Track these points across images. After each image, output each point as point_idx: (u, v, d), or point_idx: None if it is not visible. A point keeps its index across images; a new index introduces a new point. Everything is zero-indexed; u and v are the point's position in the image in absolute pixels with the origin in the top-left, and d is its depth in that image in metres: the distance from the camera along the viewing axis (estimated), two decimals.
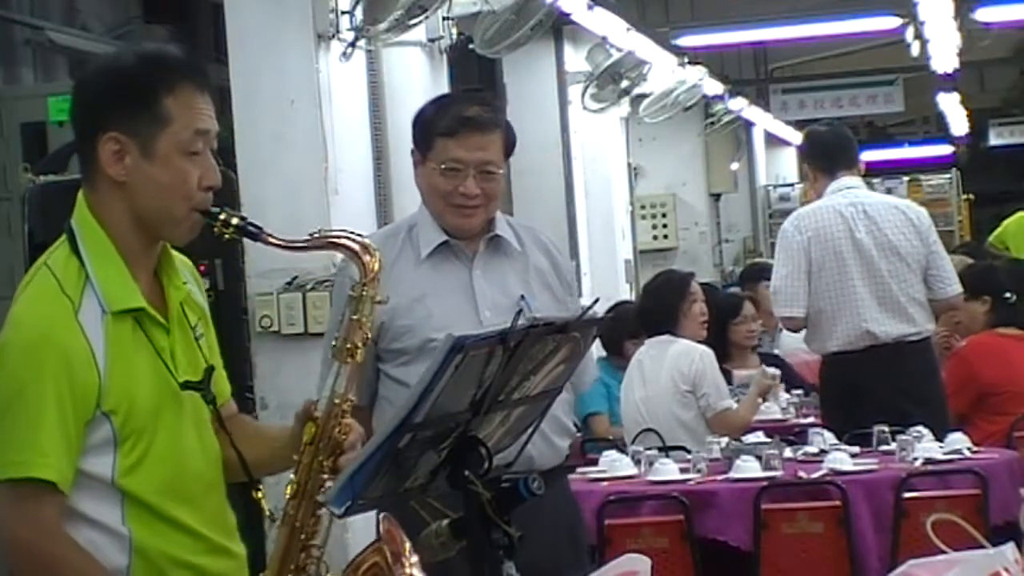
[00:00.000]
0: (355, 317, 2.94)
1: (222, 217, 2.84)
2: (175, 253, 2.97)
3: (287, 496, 2.90)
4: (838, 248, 6.42)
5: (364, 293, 2.95)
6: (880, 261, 6.41)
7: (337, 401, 2.89)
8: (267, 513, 2.92)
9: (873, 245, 6.42)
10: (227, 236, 2.86)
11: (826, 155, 6.69)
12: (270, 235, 2.91)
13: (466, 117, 3.94)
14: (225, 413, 3.01)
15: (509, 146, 4.04)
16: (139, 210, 2.82)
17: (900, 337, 6.36)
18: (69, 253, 2.81)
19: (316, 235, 2.95)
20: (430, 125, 3.99)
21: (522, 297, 3.97)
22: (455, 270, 4.00)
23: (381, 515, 2.79)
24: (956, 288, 6.56)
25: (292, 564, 2.87)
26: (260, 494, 2.94)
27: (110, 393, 2.74)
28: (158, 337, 2.84)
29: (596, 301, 3.04)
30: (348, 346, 2.92)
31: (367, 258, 2.95)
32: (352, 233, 3.00)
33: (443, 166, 3.95)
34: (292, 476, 2.90)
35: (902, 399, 6.25)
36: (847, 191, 6.54)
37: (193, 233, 2.86)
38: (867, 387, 6.29)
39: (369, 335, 2.96)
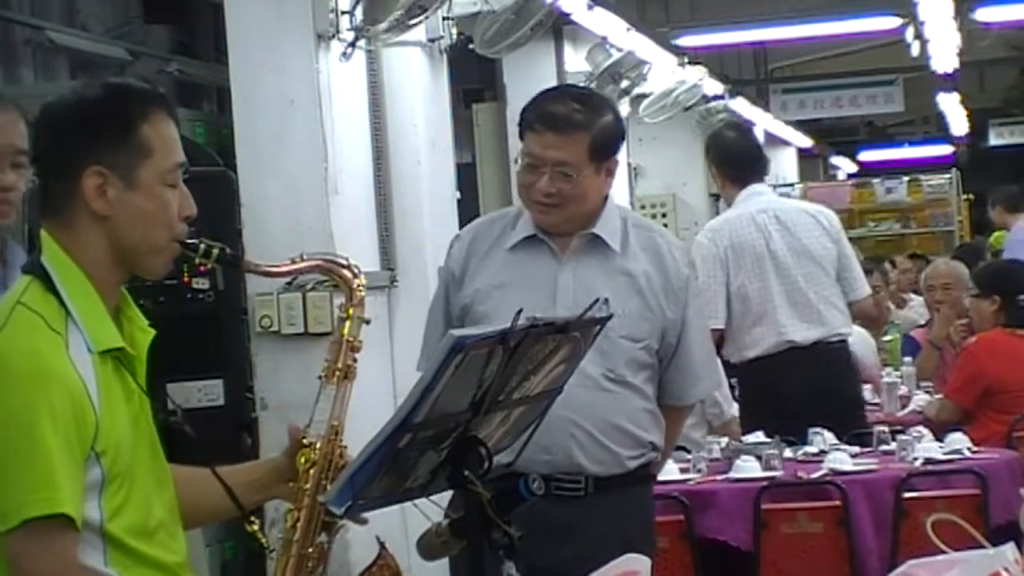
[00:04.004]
0: (349, 339, 2.93)
1: (202, 248, 2.80)
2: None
3: (288, 525, 2.87)
4: (755, 257, 6.44)
5: (352, 314, 2.94)
6: (795, 266, 6.43)
7: (335, 423, 2.90)
8: (265, 544, 2.89)
9: (788, 251, 6.44)
10: (209, 265, 2.85)
11: (738, 163, 6.68)
12: (250, 262, 2.92)
13: (547, 113, 3.85)
14: None
15: (600, 147, 3.88)
16: (122, 243, 2.74)
17: (817, 340, 6.40)
18: (45, 291, 2.70)
19: (299, 258, 2.93)
20: (524, 115, 3.92)
21: (606, 301, 3.90)
22: (543, 264, 3.93)
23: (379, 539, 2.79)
24: (865, 290, 6.61)
25: None
26: (255, 527, 2.90)
27: (103, 433, 2.66)
28: (132, 377, 2.78)
29: (596, 301, 3.03)
30: (339, 367, 2.92)
31: (351, 279, 2.95)
32: (335, 255, 2.99)
33: (523, 160, 3.90)
34: (290, 505, 2.88)
35: (819, 400, 6.30)
36: (757, 198, 6.55)
37: (169, 265, 2.81)
38: (785, 390, 6.32)
39: (357, 356, 2.94)
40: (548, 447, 3.79)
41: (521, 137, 3.92)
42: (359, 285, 2.94)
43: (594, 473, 3.89)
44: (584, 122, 3.87)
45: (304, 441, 2.89)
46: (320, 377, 2.92)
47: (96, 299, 2.72)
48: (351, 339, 2.92)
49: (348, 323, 2.93)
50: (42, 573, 2.63)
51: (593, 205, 3.95)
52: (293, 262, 2.92)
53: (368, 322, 2.97)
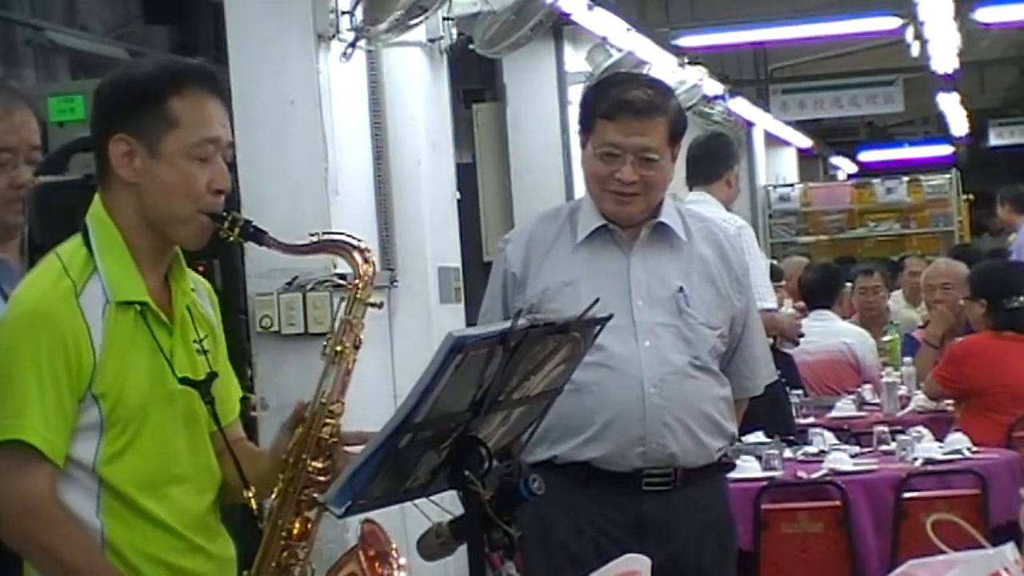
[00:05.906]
0: (347, 318, 2.97)
1: (228, 220, 2.89)
2: (197, 276, 3.04)
3: (273, 497, 2.93)
4: None
5: (357, 295, 2.98)
6: None
7: (323, 401, 2.93)
8: (255, 511, 2.93)
9: None
10: (232, 239, 2.91)
11: (689, 165, 6.62)
12: (273, 239, 2.95)
13: (624, 100, 3.84)
14: (232, 436, 3.04)
15: (676, 132, 3.91)
16: (147, 210, 2.87)
17: None
18: (80, 243, 2.88)
19: (316, 238, 3.00)
20: (591, 106, 3.91)
21: (680, 289, 3.89)
22: (612, 256, 3.91)
23: (363, 518, 2.79)
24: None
25: (273, 562, 2.90)
26: (250, 493, 2.95)
27: (102, 377, 2.78)
28: (160, 335, 2.88)
29: (596, 301, 3.03)
30: (339, 348, 2.95)
31: (362, 262, 2.99)
32: (351, 236, 3.03)
33: (600, 150, 3.86)
34: (279, 475, 2.92)
35: None
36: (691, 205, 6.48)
37: (203, 236, 2.91)
38: None
39: (361, 337, 2.97)
40: (642, 438, 3.80)
41: (590, 129, 3.89)
42: (368, 267, 2.98)
43: (683, 464, 3.87)
44: (662, 106, 3.88)
45: (306, 415, 2.94)
46: (322, 355, 2.98)
47: (125, 255, 2.86)
48: (350, 319, 2.96)
49: (351, 303, 2.97)
50: (2, 494, 2.74)
51: (665, 192, 3.96)
52: (311, 240, 3.00)
53: (378, 306, 3.03)
